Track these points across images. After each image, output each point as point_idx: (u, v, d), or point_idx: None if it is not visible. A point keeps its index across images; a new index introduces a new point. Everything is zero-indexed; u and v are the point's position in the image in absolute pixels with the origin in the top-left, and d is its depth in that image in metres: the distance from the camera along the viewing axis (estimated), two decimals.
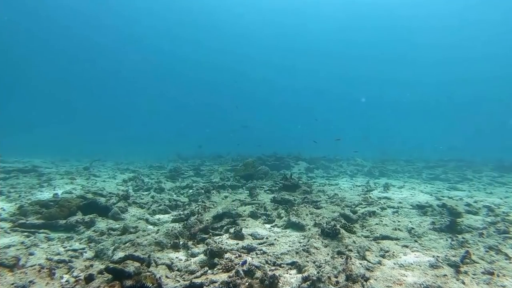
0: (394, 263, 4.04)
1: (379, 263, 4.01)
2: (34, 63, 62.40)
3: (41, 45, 58.60)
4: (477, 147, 34.66)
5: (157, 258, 3.89)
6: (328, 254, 4.17)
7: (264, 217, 6.36)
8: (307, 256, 4.05)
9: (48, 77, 66.52)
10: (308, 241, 4.64)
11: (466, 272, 3.75)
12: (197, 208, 6.53)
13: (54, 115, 67.72)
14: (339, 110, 77.56)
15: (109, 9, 54.69)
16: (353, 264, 3.72)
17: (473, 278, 3.63)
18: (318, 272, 3.44)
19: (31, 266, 3.51)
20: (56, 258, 3.99)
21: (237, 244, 4.58)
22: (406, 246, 4.73)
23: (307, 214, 6.31)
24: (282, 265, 3.86)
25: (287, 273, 3.67)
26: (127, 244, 4.42)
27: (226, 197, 8.53)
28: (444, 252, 4.49)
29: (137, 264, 3.42)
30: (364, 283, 3.35)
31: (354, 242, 4.63)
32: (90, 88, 73.61)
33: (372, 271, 3.74)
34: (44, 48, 59.77)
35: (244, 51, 73.02)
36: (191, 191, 9.42)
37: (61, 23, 54.27)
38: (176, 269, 3.72)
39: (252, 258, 4.01)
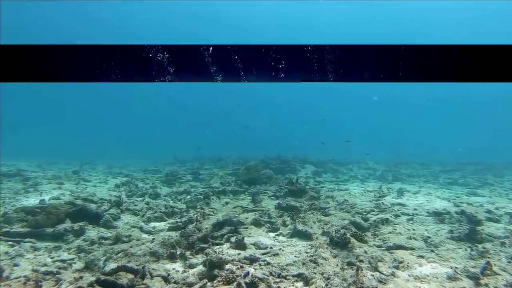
0: (409, 275, 4.02)
1: (393, 274, 3.99)
2: None
3: (28, 38, 59.05)
4: (497, 149, 34.48)
5: (152, 269, 3.90)
6: (337, 265, 4.16)
7: (268, 225, 6.36)
8: (314, 267, 4.04)
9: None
10: (315, 251, 4.63)
11: (486, 285, 3.73)
12: (195, 216, 6.54)
13: (42, 115, 68.12)
14: (349, 109, 77.31)
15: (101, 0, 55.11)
16: (364, 276, 3.70)
17: None
18: (326, 285, 3.43)
19: (16, 278, 3.52)
20: (43, 269, 4.00)
21: (239, 254, 4.58)
22: (422, 257, 4.71)
23: (314, 222, 6.31)
24: (288, 277, 3.84)
25: (293, 285, 3.66)
26: (120, 254, 4.43)
27: (227, 203, 8.54)
28: (463, 262, 4.46)
29: (130, 276, 3.43)
30: None
31: (365, 252, 4.62)
32: (81, 86, 73.94)
33: (385, 283, 3.72)
34: (31, 42, 60.07)
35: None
36: (189, 197, 9.42)
37: (50, 15, 54.78)
38: (172, 281, 3.72)
39: (255, 269, 4.01)
